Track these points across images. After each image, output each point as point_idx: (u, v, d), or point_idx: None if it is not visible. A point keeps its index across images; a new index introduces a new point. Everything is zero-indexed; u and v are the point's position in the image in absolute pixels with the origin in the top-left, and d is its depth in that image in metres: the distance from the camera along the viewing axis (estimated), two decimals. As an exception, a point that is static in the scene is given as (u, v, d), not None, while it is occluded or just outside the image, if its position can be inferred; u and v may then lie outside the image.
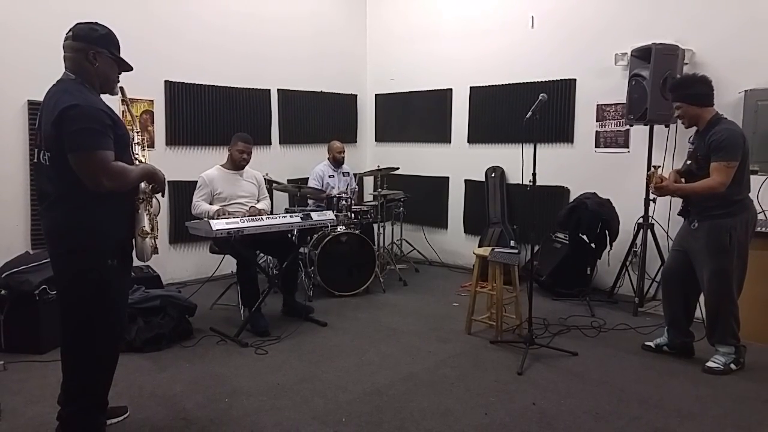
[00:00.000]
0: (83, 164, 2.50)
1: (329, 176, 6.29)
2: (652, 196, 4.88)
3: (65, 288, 2.73)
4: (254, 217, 4.40)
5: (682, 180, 3.89)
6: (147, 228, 2.77)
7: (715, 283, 3.71)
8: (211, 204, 4.77)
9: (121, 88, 2.88)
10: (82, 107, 2.50)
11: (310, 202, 6.08)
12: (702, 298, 3.90)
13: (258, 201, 5.02)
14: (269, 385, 3.58)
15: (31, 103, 4.77)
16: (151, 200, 2.83)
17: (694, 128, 3.86)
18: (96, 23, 2.72)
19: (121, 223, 2.73)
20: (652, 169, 3.92)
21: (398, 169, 6.37)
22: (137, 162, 2.84)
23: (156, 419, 3.15)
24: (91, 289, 2.65)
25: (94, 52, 2.64)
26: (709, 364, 3.79)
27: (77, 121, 2.48)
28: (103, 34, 2.69)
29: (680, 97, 3.76)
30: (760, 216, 4.08)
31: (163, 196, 2.92)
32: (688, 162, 3.86)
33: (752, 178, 3.83)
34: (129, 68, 2.81)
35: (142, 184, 2.77)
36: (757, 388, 3.55)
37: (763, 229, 4.13)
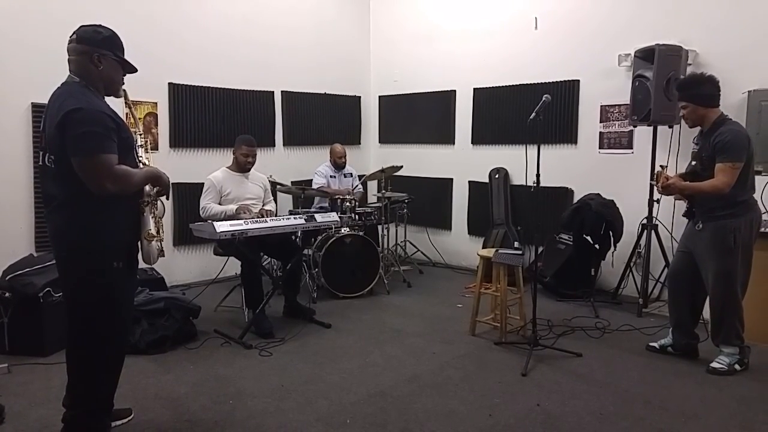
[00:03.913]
0: (87, 167, 2.50)
1: (330, 176, 6.30)
2: (656, 197, 4.88)
3: (71, 291, 2.73)
4: (258, 219, 4.40)
5: (687, 181, 3.87)
6: (153, 231, 2.77)
7: (720, 284, 3.70)
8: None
9: (124, 91, 2.88)
10: (85, 110, 2.50)
11: (316, 200, 6.09)
12: (707, 299, 3.89)
13: (264, 204, 5.03)
14: (273, 386, 3.58)
15: (34, 106, 4.79)
16: (156, 203, 2.83)
17: (698, 129, 3.86)
18: (100, 25, 2.72)
19: (126, 225, 2.73)
20: (659, 168, 3.91)
21: (402, 167, 6.37)
22: (141, 165, 2.84)
23: (160, 421, 3.16)
24: (97, 292, 2.65)
25: (98, 54, 2.64)
26: (714, 364, 3.78)
27: (81, 124, 2.48)
28: (107, 36, 2.69)
29: (687, 97, 3.74)
30: (765, 217, 4.06)
31: (168, 198, 2.92)
32: (693, 163, 3.85)
33: (756, 178, 3.81)
34: (134, 70, 2.81)
35: (147, 187, 2.77)
36: (761, 389, 3.54)
37: (766, 229, 4.11)
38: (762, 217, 3.83)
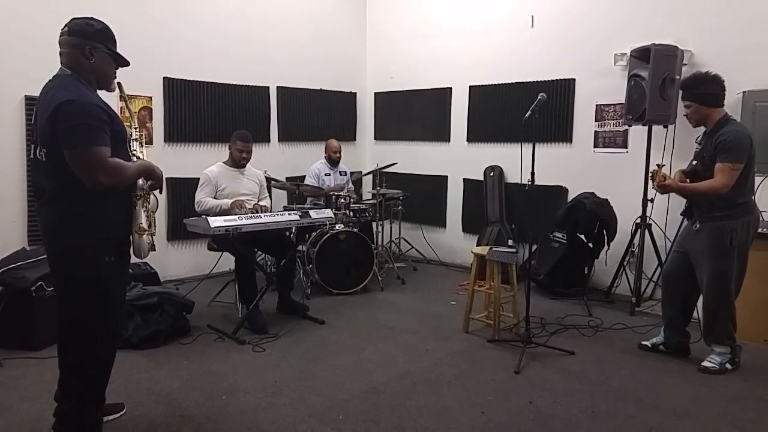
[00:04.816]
0: (79, 160, 2.48)
1: (325, 174, 6.29)
2: (650, 197, 4.89)
3: (62, 285, 2.72)
4: (253, 215, 4.39)
5: (687, 180, 3.87)
6: (144, 225, 2.76)
7: (715, 284, 3.71)
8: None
9: (119, 84, 2.85)
10: (77, 103, 2.48)
11: (309, 199, 6.08)
12: (701, 299, 3.90)
13: (259, 200, 5.01)
14: (266, 382, 3.58)
15: (28, 98, 4.76)
16: (149, 197, 2.82)
17: (698, 129, 3.85)
18: (92, 18, 2.69)
19: (119, 219, 2.71)
20: (656, 166, 3.91)
21: (396, 164, 6.35)
22: (135, 158, 2.82)
23: (153, 416, 3.15)
24: (88, 287, 2.64)
25: (90, 47, 2.61)
26: (705, 363, 3.79)
27: (73, 116, 2.46)
28: (99, 29, 2.67)
29: (691, 96, 3.73)
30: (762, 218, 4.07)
31: (161, 192, 2.91)
32: (694, 162, 3.84)
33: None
34: (126, 63, 2.78)
35: (140, 181, 2.75)
36: (751, 388, 3.57)
37: (763, 230, 4.12)
38: (759, 219, 3.84)
